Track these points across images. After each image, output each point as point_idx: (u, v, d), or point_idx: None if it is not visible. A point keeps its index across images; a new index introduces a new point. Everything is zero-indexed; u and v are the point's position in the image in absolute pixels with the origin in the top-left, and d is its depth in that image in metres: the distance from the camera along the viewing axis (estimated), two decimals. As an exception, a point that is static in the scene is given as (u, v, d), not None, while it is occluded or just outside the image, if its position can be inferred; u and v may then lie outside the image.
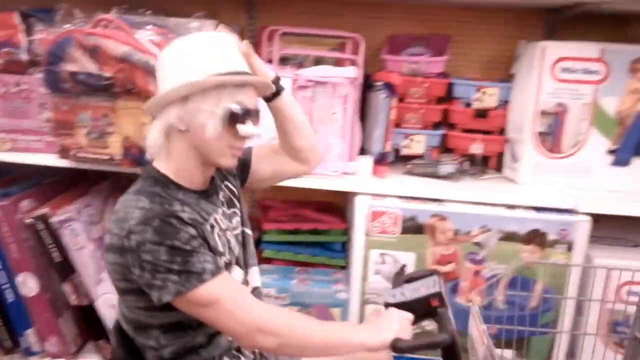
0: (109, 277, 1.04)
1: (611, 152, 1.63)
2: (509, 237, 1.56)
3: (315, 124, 1.61)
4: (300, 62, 1.81)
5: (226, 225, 1.11)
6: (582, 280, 1.60)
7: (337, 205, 1.95)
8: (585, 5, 1.54)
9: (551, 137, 1.64)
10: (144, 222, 0.93)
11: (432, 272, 1.21)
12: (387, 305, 1.10)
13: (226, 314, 0.95)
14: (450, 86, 1.73)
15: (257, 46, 1.89)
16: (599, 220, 1.71)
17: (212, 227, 1.05)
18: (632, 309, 1.57)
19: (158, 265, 0.92)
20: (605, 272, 1.57)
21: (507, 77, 1.76)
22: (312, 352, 1.03)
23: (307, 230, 1.84)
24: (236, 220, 1.17)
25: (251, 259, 1.20)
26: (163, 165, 1.04)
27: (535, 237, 1.55)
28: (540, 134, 1.64)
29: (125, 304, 1.04)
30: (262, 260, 1.90)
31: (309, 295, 1.74)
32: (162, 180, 1.02)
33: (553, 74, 1.58)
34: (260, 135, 1.04)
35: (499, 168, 1.79)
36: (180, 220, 0.96)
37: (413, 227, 1.57)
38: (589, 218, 1.53)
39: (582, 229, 1.53)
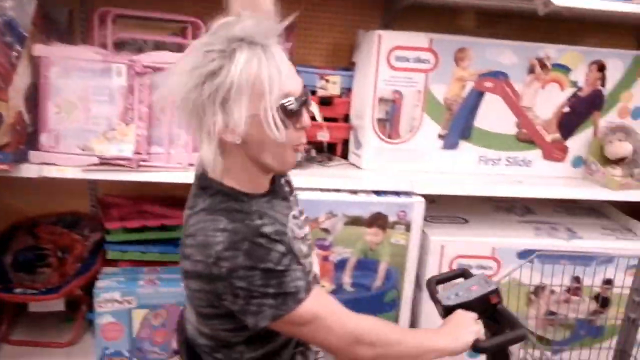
0: (189, 303, 0.97)
1: (441, 136, 1.76)
2: (354, 221, 1.61)
3: (157, 114, 1.52)
4: (139, 48, 1.69)
5: (299, 215, 1.06)
6: (421, 257, 1.72)
7: (186, 199, 1.87)
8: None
9: (389, 123, 1.72)
10: (233, 247, 0.86)
11: (463, 271, 1.25)
12: (449, 307, 1.08)
13: (325, 330, 0.92)
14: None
15: (89, 30, 1.73)
16: (435, 200, 1.85)
17: (292, 231, 0.99)
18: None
19: (253, 290, 0.87)
20: (439, 248, 1.70)
21: (350, 66, 1.81)
22: None
23: (154, 227, 1.75)
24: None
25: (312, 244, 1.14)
26: (224, 177, 0.94)
27: (378, 220, 1.63)
28: (380, 120, 1.71)
29: (208, 327, 0.99)
30: (107, 263, 1.77)
31: (158, 296, 1.65)
32: (232, 194, 0.93)
33: (389, 63, 1.65)
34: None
35: (345, 154, 1.85)
36: (268, 238, 0.89)
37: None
38: (422, 199, 1.64)
39: (417, 210, 1.64)
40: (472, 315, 1.05)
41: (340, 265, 1.64)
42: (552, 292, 1.75)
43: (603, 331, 1.78)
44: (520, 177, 1.81)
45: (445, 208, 1.89)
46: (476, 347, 1.01)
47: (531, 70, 1.74)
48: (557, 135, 1.83)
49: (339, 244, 1.62)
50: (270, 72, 0.85)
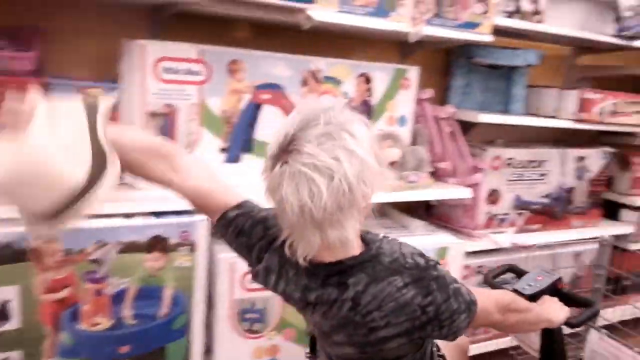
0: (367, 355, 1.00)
1: (223, 150, 1.71)
2: (130, 247, 1.47)
3: None
4: None
5: None
6: (210, 277, 1.64)
7: None
8: (179, 6, 1.56)
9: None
10: (426, 292, 0.95)
11: (511, 266, 1.53)
12: (531, 295, 1.30)
13: (489, 313, 1.08)
14: (47, 86, 1.51)
15: None
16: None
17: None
18: (257, 295, 1.70)
19: (454, 314, 0.98)
20: (229, 266, 1.64)
21: (117, 78, 1.65)
22: (529, 328, 1.32)
23: None
24: None
25: None
26: (349, 249, 0.96)
27: (157, 244, 1.50)
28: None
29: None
30: None
31: None
32: (371, 255, 0.97)
33: (156, 75, 1.54)
34: None
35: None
36: (432, 266, 0.99)
37: (11, 256, 1.32)
38: (206, 217, 1.56)
39: (201, 228, 1.55)
40: (556, 299, 1.31)
41: (118, 297, 1.47)
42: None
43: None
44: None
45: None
46: (569, 323, 1.29)
47: (305, 83, 1.79)
48: (335, 143, 1.91)
49: (114, 274, 1.45)
50: (372, 130, 0.94)
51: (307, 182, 0.85)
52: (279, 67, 1.73)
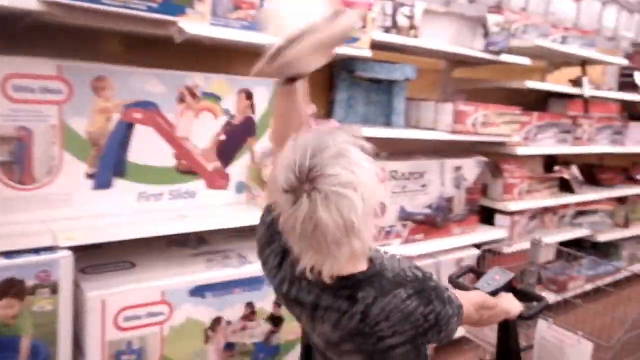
0: None
1: (90, 175, 1.54)
2: (-26, 295, 1.26)
3: None
4: None
5: None
6: (78, 318, 1.47)
7: None
8: (32, 16, 1.38)
9: (18, 166, 1.41)
10: (427, 302, 1.05)
11: (471, 267, 1.68)
12: (491, 292, 1.40)
13: (472, 314, 1.22)
14: None
15: None
16: (101, 246, 1.61)
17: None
18: (133, 334, 1.56)
19: (450, 319, 1.08)
20: (99, 304, 1.48)
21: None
22: (494, 320, 1.41)
23: None
24: None
25: None
26: (363, 261, 1.06)
27: (10, 288, 1.31)
28: (4, 163, 1.39)
29: None
30: None
31: None
32: (375, 269, 1.06)
33: (5, 93, 1.35)
34: None
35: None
36: (428, 275, 1.10)
37: None
38: (69, 252, 1.39)
39: (64, 266, 1.38)
40: (511, 295, 1.45)
41: (-40, 355, 1.26)
42: (229, 322, 1.72)
43: (279, 349, 1.84)
44: (186, 209, 1.73)
45: (111, 252, 1.67)
46: (523, 316, 1.43)
47: (181, 99, 1.67)
48: (218, 163, 1.82)
49: (-47, 329, 1.24)
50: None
51: (343, 200, 0.91)
52: (151, 83, 1.60)
